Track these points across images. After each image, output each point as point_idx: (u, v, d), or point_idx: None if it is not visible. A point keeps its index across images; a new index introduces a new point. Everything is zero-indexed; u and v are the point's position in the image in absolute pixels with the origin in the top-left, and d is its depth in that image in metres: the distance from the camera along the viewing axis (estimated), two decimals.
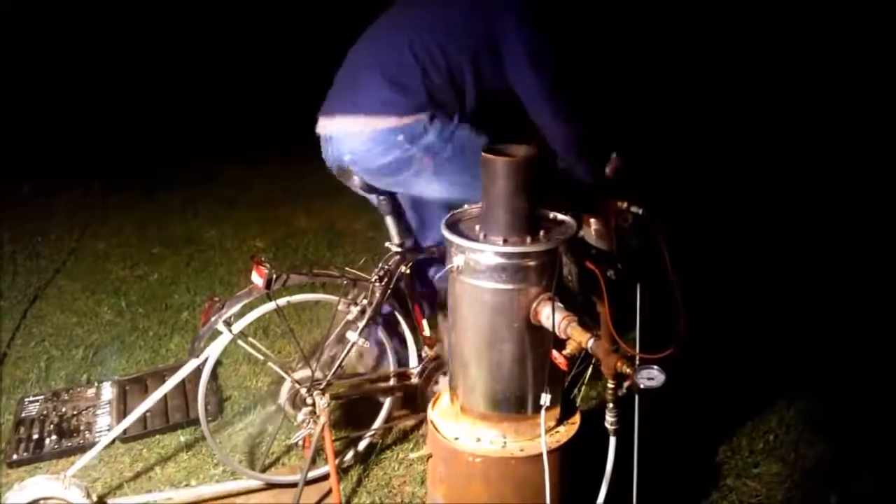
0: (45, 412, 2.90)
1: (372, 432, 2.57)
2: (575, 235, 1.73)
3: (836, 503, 2.35)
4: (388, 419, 2.60)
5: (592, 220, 1.71)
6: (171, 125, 6.93)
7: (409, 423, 2.72)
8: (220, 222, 4.91)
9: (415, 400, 2.58)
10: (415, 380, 2.52)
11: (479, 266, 1.76)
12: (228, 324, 2.25)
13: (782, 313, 3.43)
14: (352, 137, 2.25)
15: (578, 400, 2.47)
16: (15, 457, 2.65)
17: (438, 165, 2.23)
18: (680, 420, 2.60)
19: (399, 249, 2.40)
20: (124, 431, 2.51)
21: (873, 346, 3.17)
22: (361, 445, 2.58)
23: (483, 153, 1.75)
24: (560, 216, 1.87)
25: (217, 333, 2.28)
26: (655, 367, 1.53)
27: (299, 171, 5.42)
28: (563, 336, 1.68)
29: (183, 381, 2.38)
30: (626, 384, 1.61)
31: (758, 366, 3.06)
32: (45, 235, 4.71)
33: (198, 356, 2.28)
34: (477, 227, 1.83)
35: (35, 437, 2.75)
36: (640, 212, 1.70)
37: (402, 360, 2.54)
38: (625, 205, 1.72)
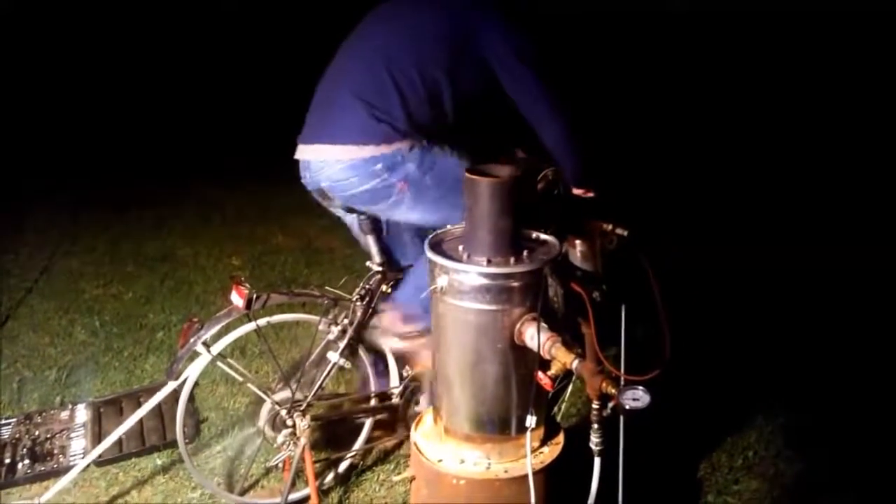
0: (17, 435, 2.83)
1: (353, 453, 2.55)
2: (559, 256, 1.74)
3: None
4: (369, 440, 2.57)
5: (578, 242, 1.72)
6: (143, 142, 6.87)
7: (390, 443, 2.69)
8: (195, 240, 4.85)
9: (395, 421, 2.56)
10: (395, 400, 2.50)
11: (462, 287, 1.76)
12: (207, 345, 2.22)
13: (760, 331, 3.47)
14: (329, 166, 2.23)
15: (559, 418, 2.47)
16: None
17: (417, 194, 2.23)
18: (659, 437, 2.61)
19: (380, 269, 2.39)
20: (99, 455, 2.46)
21: (850, 362, 3.22)
22: (342, 467, 2.55)
23: (466, 173, 1.75)
24: (543, 236, 1.87)
25: (195, 355, 2.25)
26: (640, 387, 1.54)
27: (275, 189, 5.39)
28: (547, 356, 1.68)
29: (159, 403, 2.34)
30: (610, 405, 1.62)
31: (736, 382, 3.08)
32: (16, 254, 4.63)
33: (176, 378, 2.24)
34: (460, 248, 1.83)
35: (7, 461, 2.68)
36: (625, 234, 1.71)
37: (382, 381, 2.53)
38: (609, 227, 1.73)
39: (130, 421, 2.28)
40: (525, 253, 1.78)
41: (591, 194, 2.19)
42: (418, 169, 2.19)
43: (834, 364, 3.20)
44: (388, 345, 2.44)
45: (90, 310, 3.90)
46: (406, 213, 2.27)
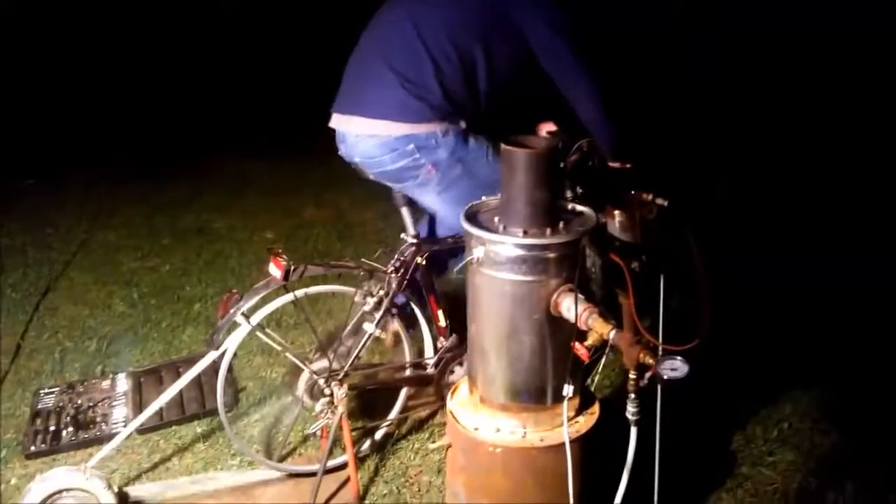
0: (61, 404, 2.92)
1: (388, 422, 2.59)
2: (597, 227, 1.73)
3: (851, 491, 2.36)
4: (404, 409, 2.61)
5: (616, 212, 1.71)
6: (178, 116, 6.93)
7: (424, 412, 2.73)
8: (230, 213, 4.91)
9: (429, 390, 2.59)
10: (430, 370, 2.53)
11: (499, 258, 1.76)
12: (246, 316, 2.26)
13: (799, 301, 3.43)
14: (363, 141, 2.25)
15: (592, 389, 2.48)
16: (33, 448, 2.67)
17: (444, 183, 2.25)
18: (694, 408, 2.61)
19: (414, 240, 2.40)
20: (141, 423, 2.53)
21: (890, 335, 3.18)
22: (378, 435, 2.60)
23: (503, 145, 1.75)
24: (580, 207, 1.87)
25: (235, 325, 2.29)
26: (679, 358, 1.54)
27: (308, 162, 5.44)
28: (584, 327, 1.68)
29: (199, 373, 2.39)
30: (647, 375, 1.62)
31: (772, 354, 3.07)
32: (55, 227, 4.72)
33: (217, 348, 2.29)
34: (496, 219, 1.83)
35: (52, 428, 2.76)
36: (666, 203, 1.70)
37: (417, 351, 2.55)
38: (650, 196, 1.72)
39: (174, 389, 2.33)
40: (561, 224, 1.78)
41: (628, 166, 2.18)
42: (450, 157, 2.19)
43: (873, 337, 3.17)
44: None
45: (128, 282, 3.98)
46: (429, 196, 2.28)
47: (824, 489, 2.39)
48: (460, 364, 2.51)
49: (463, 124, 2.22)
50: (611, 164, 2.21)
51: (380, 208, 4.58)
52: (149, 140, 6.42)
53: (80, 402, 2.93)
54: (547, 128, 2.36)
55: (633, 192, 1.74)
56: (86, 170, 5.73)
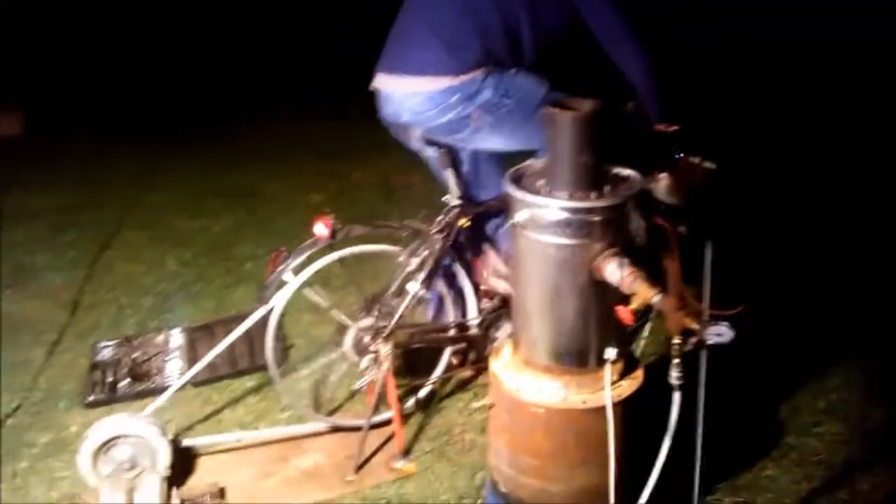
0: (118, 356, 3.03)
1: (432, 381, 2.63)
2: (643, 190, 1.72)
3: None
4: (448, 369, 2.65)
5: (662, 176, 1.69)
6: (227, 79, 7.00)
7: (467, 373, 2.77)
8: (277, 176, 4.98)
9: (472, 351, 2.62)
10: (473, 331, 2.56)
11: (543, 221, 1.76)
12: (294, 273, 2.31)
13: (852, 271, 3.35)
14: (408, 98, 2.26)
15: (638, 355, 2.48)
16: (91, 398, 2.79)
17: (496, 120, 2.24)
18: (741, 376, 2.59)
19: (458, 203, 2.41)
20: (194, 375, 2.61)
21: None
22: (422, 393, 2.64)
23: (547, 107, 1.74)
24: (625, 171, 1.85)
25: (283, 283, 2.34)
26: (725, 323, 1.53)
27: (354, 126, 5.44)
28: (628, 292, 1.68)
29: (249, 329, 2.45)
30: (692, 340, 1.61)
31: (822, 323, 3.01)
32: (109, 188, 4.85)
33: (265, 304, 2.35)
34: (540, 182, 1.83)
35: (109, 380, 2.88)
36: (714, 167, 1.67)
37: (461, 312, 2.58)
38: (697, 160, 1.70)
39: (227, 341, 2.39)
40: (607, 188, 1.77)
41: (673, 128, 2.14)
42: (494, 93, 2.19)
43: None
44: (497, 286, 2.47)
45: (181, 241, 4.08)
46: (487, 139, 2.29)
47: (871, 463, 2.36)
48: (503, 326, 2.53)
49: (501, 68, 2.21)
50: (657, 127, 2.18)
51: (425, 172, 4.55)
52: (199, 102, 6.50)
53: (136, 355, 3.04)
54: None
55: (680, 156, 1.71)
56: (137, 132, 5.86)
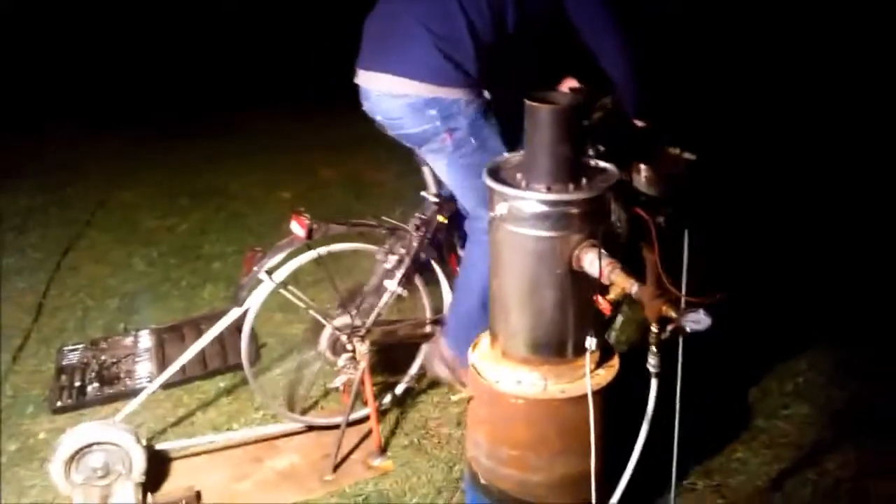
0: (85, 360, 2.98)
1: (409, 377, 2.63)
2: (623, 181, 1.74)
3: (867, 443, 2.39)
4: (423, 365, 2.65)
5: (643, 167, 1.72)
6: (191, 77, 6.91)
7: None
8: (246, 173, 4.93)
9: None
10: None
11: (522, 214, 1.77)
12: (270, 273, 2.30)
13: (813, 257, 3.45)
14: (386, 100, 2.19)
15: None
16: (59, 403, 2.74)
17: (456, 154, 2.20)
18: (709, 362, 2.63)
19: (436, 199, 2.42)
20: (167, 378, 2.57)
21: None
22: (398, 389, 2.65)
23: (527, 101, 1.75)
24: (602, 164, 1.87)
25: (259, 282, 2.32)
26: (701, 310, 1.56)
27: (323, 122, 5.44)
28: (606, 282, 1.70)
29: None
30: (669, 328, 1.64)
31: (787, 309, 3.09)
32: (75, 187, 4.76)
33: (241, 305, 2.33)
34: (518, 175, 1.84)
35: (77, 384, 2.83)
36: (694, 158, 1.70)
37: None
38: (677, 151, 1.72)
39: (199, 344, 2.37)
40: (584, 180, 1.79)
41: (649, 124, 2.16)
42: (468, 127, 2.15)
43: (888, 293, 3.18)
44: (438, 371, 2.48)
45: (147, 241, 4.02)
46: (439, 164, 2.26)
47: (839, 442, 2.43)
48: None
49: (486, 96, 2.18)
50: (634, 121, 2.19)
51: (395, 168, 4.57)
52: (162, 100, 6.41)
53: (103, 358, 2.99)
54: (570, 84, 2.34)
55: (659, 147, 1.74)
56: (101, 130, 5.75)
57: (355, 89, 2.28)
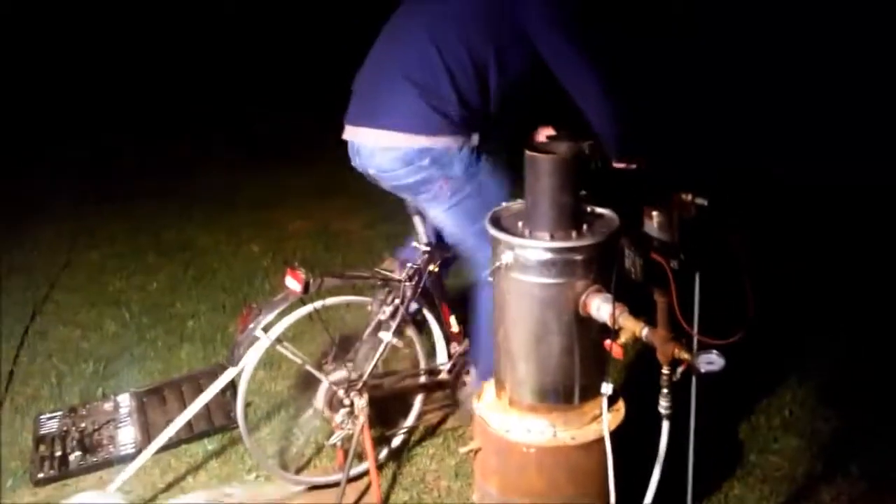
0: (64, 428, 2.87)
1: (406, 429, 2.61)
2: (632, 228, 1.79)
3: (857, 473, 2.45)
4: (420, 415, 2.63)
5: (654, 213, 1.76)
6: (151, 131, 6.85)
7: (436, 418, 2.76)
8: (213, 227, 4.87)
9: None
10: (444, 375, 2.56)
11: (527, 262, 1.80)
12: (266, 330, 2.27)
13: (790, 293, 3.52)
14: (378, 154, 2.23)
15: None
16: (41, 475, 2.63)
17: (455, 199, 2.25)
18: (699, 400, 2.67)
19: (427, 248, 2.43)
20: (149, 442, 2.50)
21: (882, 322, 3.30)
22: (395, 442, 2.62)
23: (527, 151, 1.79)
24: (599, 209, 1.92)
25: (255, 340, 2.29)
26: (714, 351, 1.60)
27: (287, 173, 5.41)
28: (615, 327, 1.73)
29: (201, 389, 2.36)
30: (680, 370, 1.67)
31: (766, 345, 3.15)
32: (38, 249, 4.63)
33: (236, 364, 2.29)
34: (520, 224, 1.88)
35: (58, 454, 2.72)
36: (706, 203, 1.76)
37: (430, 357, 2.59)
38: (689, 197, 1.78)
39: (195, 406, 2.32)
40: (585, 226, 1.83)
41: (633, 166, 2.20)
42: (464, 173, 2.21)
43: (865, 325, 3.29)
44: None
45: (117, 301, 3.93)
46: (437, 210, 2.30)
47: (830, 472, 2.48)
48: (472, 369, 2.55)
49: (476, 139, 2.23)
50: (615, 164, 2.24)
51: (363, 218, 4.59)
52: (123, 156, 6.34)
53: (84, 425, 2.89)
54: (546, 132, 2.39)
55: (671, 192, 1.79)
56: (61, 188, 5.63)
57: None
